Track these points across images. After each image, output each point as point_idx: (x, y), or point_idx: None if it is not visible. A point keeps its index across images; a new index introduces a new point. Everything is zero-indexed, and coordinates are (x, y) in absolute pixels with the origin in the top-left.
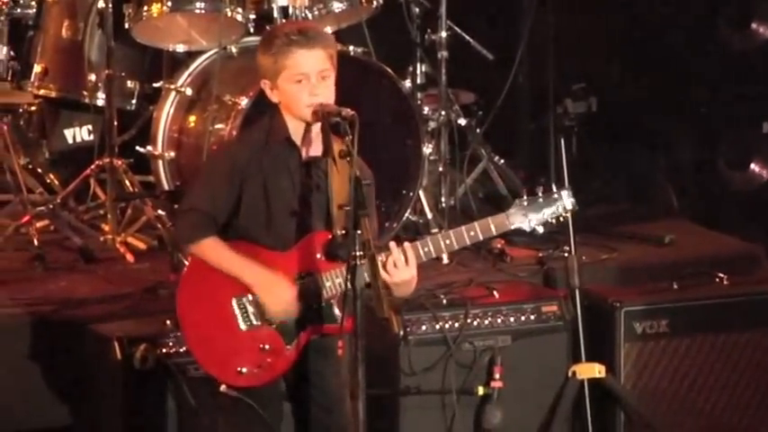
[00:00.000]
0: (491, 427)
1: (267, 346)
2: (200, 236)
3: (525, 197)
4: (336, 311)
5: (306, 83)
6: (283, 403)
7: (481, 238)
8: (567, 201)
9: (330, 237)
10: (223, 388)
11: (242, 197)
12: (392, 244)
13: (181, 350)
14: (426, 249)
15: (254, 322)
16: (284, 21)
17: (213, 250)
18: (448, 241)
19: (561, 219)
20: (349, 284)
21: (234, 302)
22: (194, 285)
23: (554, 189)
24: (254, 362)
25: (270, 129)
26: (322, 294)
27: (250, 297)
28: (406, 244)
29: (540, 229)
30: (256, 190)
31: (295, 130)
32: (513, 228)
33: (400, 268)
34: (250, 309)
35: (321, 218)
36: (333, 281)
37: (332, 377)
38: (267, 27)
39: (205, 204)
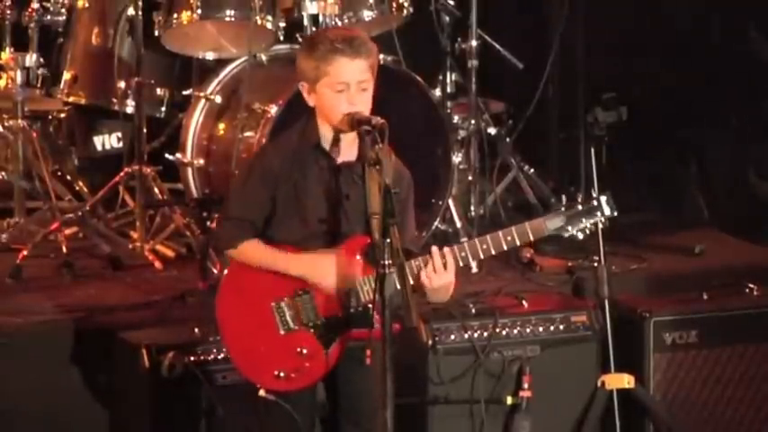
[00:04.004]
0: None
1: (305, 350)
2: (240, 239)
3: (564, 203)
4: (375, 316)
5: (345, 92)
6: (315, 413)
7: (518, 243)
8: (605, 207)
9: (369, 241)
10: (262, 392)
11: (276, 201)
12: (434, 248)
13: (209, 358)
14: (464, 254)
15: (292, 326)
16: (326, 26)
17: (255, 251)
18: (485, 246)
19: (600, 224)
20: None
21: (273, 307)
22: (234, 291)
23: (593, 195)
24: (292, 366)
25: (302, 133)
26: (360, 298)
27: (288, 301)
28: (446, 249)
29: (580, 236)
30: (288, 194)
31: (327, 135)
32: (550, 232)
33: (439, 273)
34: (288, 313)
35: (360, 222)
36: (370, 285)
37: (363, 386)
38: (297, 35)
39: (242, 212)
